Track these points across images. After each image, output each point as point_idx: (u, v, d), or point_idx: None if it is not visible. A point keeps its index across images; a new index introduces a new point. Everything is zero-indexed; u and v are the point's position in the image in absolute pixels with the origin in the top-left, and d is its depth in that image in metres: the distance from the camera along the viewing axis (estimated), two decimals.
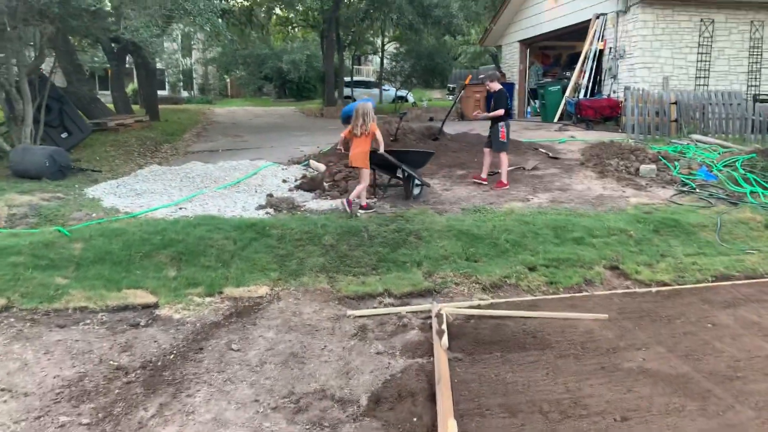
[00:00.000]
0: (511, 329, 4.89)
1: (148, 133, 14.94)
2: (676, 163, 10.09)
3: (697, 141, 11.99)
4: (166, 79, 50.51)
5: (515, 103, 21.47)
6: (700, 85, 15.01)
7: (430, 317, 5.16)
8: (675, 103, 13.21)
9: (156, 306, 5.33)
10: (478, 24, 21.67)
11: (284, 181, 9.03)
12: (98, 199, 8.11)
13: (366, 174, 7.62)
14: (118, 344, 4.63)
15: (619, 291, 5.86)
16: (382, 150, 7.59)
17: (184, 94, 48.04)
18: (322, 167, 9.48)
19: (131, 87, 34.36)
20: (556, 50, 23.01)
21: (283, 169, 9.62)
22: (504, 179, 9.09)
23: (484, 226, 6.99)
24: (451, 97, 38.31)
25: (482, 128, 15.33)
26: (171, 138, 15.06)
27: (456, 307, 5.32)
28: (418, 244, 6.59)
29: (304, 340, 4.73)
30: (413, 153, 8.56)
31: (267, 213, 7.40)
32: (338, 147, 8.08)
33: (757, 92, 15.19)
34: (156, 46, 13.37)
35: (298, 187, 8.71)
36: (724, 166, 9.89)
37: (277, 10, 34.74)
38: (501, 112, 9.00)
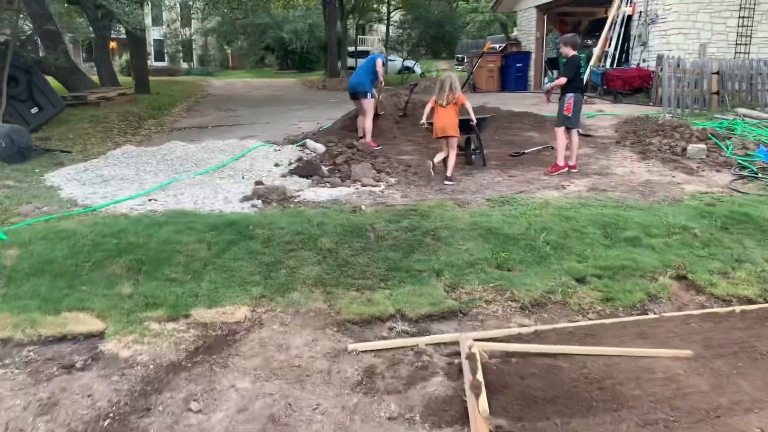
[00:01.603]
0: (569, 375, 3.65)
1: (132, 108, 13.63)
2: (728, 142, 8.74)
3: (744, 116, 10.61)
4: (165, 50, 48.98)
5: (531, 73, 20.04)
6: (740, 52, 13.57)
7: (457, 354, 3.92)
8: (717, 73, 11.79)
9: (102, 336, 4.10)
10: None
11: (276, 164, 7.74)
12: (56, 188, 6.88)
13: (455, 142, 7.67)
14: (38, 402, 3.41)
15: (696, 312, 4.59)
16: (473, 117, 7.66)
17: (184, 65, 46.50)
18: (321, 148, 8.19)
19: (124, 58, 32.91)
20: (576, 17, 21.44)
21: (276, 150, 8.32)
22: (560, 161, 7.80)
23: (516, 223, 5.71)
24: (459, 68, 36.71)
25: (500, 101, 13.98)
26: (157, 113, 13.76)
27: (491, 339, 4.09)
28: (437, 246, 5.33)
29: (289, 394, 3.50)
30: (481, 120, 8.06)
31: (253, 206, 6.14)
32: (422, 122, 7.83)
33: None
34: (136, 16, 12.03)
35: (292, 172, 7.43)
36: None
37: None
38: (563, 80, 7.66)
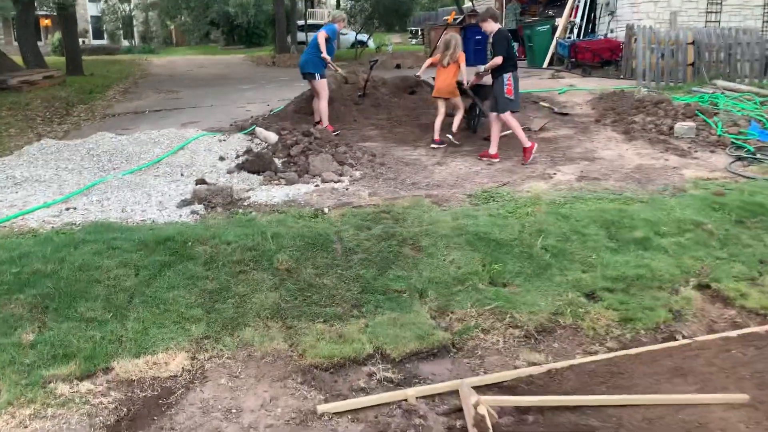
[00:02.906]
0: None
1: (59, 92, 12.26)
2: (716, 118, 8.09)
3: (724, 89, 10.00)
4: (104, 27, 46.38)
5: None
6: (711, 21, 13.00)
7: (457, 410, 3.08)
8: (692, 43, 11.15)
9: None
10: None
11: (222, 158, 6.70)
12: None
13: (460, 102, 7.80)
14: None
15: (732, 333, 3.84)
16: (465, 80, 7.74)
17: (125, 43, 44.07)
18: (273, 137, 7.16)
19: (57, 36, 30.73)
20: None
21: (220, 140, 7.25)
22: (525, 143, 6.94)
23: (507, 225, 4.87)
24: (413, 41, 35.61)
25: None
26: (89, 97, 12.40)
27: (497, 383, 3.25)
28: (418, 259, 4.45)
29: None
30: (486, 87, 7.55)
31: (193, 213, 5.13)
32: (418, 74, 8.31)
33: None
34: None
35: (240, 167, 6.41)
36: None
37: None
38: (499, 60, 6.79)
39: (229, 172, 6.34)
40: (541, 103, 9.88)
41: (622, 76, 12.38)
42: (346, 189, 5.90)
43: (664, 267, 4.48)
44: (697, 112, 8.19)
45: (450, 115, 7.91)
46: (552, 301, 4.08)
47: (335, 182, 6.12)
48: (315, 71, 8.10)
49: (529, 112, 9.36)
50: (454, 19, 21.35)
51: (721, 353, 3.59)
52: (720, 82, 10.37)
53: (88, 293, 3.87)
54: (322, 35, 7.98)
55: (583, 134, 8.13)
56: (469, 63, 18.39)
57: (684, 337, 3.83)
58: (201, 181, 5.98)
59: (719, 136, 7.57)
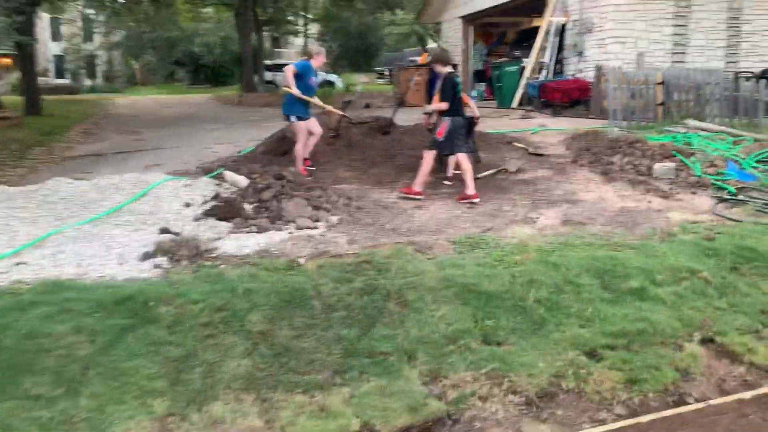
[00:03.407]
0: None
1: (15, 134, 11.72)
2: (693, 158, 8.01)
3: (696, 128, 10.01)
4: (66, 67, 45.71)
5: None
6: (676, 62, 13.16)
7: None
8: (661, 83, 11.22)
9: None
10: None
11: (187, 204, 6.29)
12: None
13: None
14: None
15: (747, 395, 3.58)
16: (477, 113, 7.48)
17: (87, 82, 43.41)
18: (242, 181, 6.80)
19: (16, 76, 30.01)
20: (500, 27, 20.92)
21: (186, 185, 6.85)
22: (418, 185, 6.98)
23: (497, 276, 4.57)
24: (380, 81, 35.82)
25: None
26: (47, 138, 11.89)
27: None
28: (404, 315, 4.11)
29: None
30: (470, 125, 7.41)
31: (157, 267, 4.71)
32: (427, 112, 7.51)
33: (737, 69, 13.48)
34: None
35: (207, 214, 6.01)
36: (758, 161, 7.88)
37: None
38: (444, 105, 6.89)
39: (196, 219, 5.94)
40: (515, 144, 9.75)
41: (592, 116, 12.40)
42: (323, 236, 5.55)
43: (664, 320, 4.22)
44: (674, 152, 8.11)
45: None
46: (551, 361, 3.77)
47: (310, 229, 5.77)
48: (288, 113, 7.84)
49: (504, 152, 9.22)
50: (413, 61, 21.53)
51: (739, 419, 3.32)
52: (691, 122, 10.38)
53: (36, 366, 3.42)
54: (289, 70, 7.71)
55: (560, 175, 7.95)
56: None
57: (696, 399, 3.53)
58: (165, 230, 5.57)
59: (699, 176, 7.46)
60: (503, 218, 6.14)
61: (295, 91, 7.61)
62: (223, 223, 5.84)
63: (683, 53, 13.20)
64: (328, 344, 3.81)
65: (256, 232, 5.65)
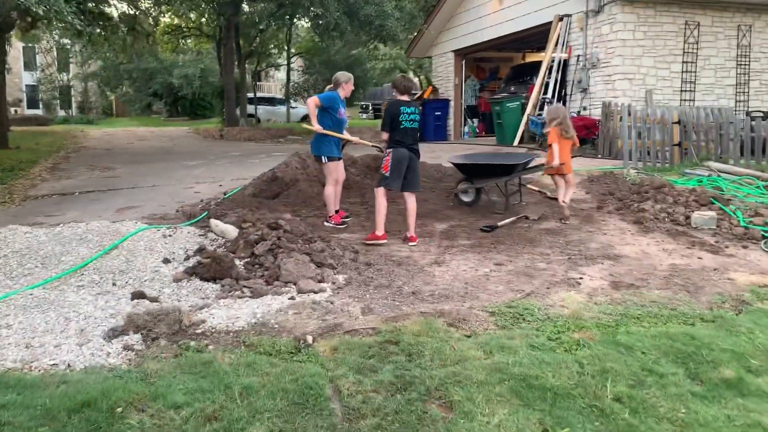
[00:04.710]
0: None
1: None
2: (732, 206, 7.23)
3: (719, 171, 9.29)
4: (40, 97, 44.38)
5: (451, 122, 18.55)
6: (685, 99, 12.57)
7: None
8: (677, 122, 10.54)
9: None
10: (411, 28, 18.47)
11: (166, 260, 5.29)
12: None
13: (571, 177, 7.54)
14: None
15: None
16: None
17: (61, 113, 42.08)
18: (231, 231, 5.82)
19: None
20: (493, 62, 20.38)
21: (165, 235, 5.85)
22: (379, 230, 6.30)
23: (559, 364, 3.63)
24: (364, 116, 35.15)
25: (429, 153, 12.17)
26: (9, 175, 10.77)
27: None
28: (450, 423, 3.12)
29: None
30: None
31: (127, 350, 3.69)
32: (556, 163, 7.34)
33: (747, 108, 12.93)
34: None
35: (191, 273, 5.02)
36: None
37: (166, 18, 30.39)
38: (383, 135, 6.39)
39: (177, 280, 4.94)
40: (529, 186, 8.93)
41: (600, 155, 11.68)
42: (331, 302, 4.58)
43: None
44: (712, 199, 7.32)
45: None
46: None
47: (315, 292, 4.80)
48: (318, 153, 7.00)
49: (517, 196, 8.36)
50: (413, 94, 20.86)
51: None
52: (713, 164, 9.68)
53: None
54: (311, 103, 6.84)
55: (589, 224, 7.11)
56: (429, 138, 17.84)
57: None
58: (139, 295, 4.58)
59: (744, 227, 6.66)
60: (540, 278, 5.24)
61: (317, 127, 6.74)
62: (210, 285, 4.87)
63: (692, 91, 12.61)
64: None
65: (250, 297, 4.67)
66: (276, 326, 4.11)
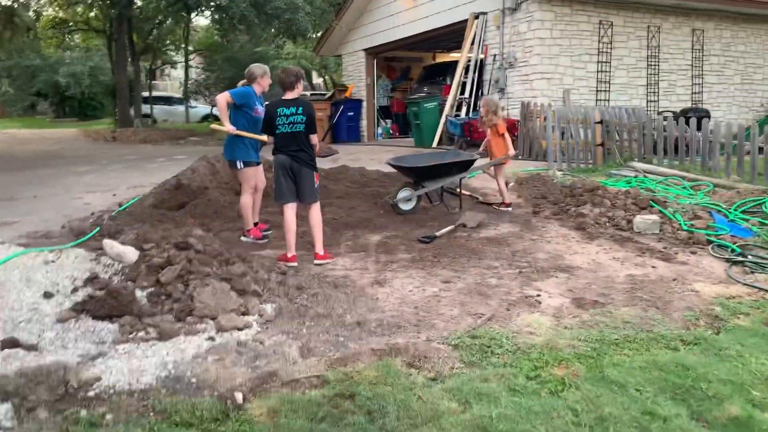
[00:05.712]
0: None
1: None
2: (671, 209, 6.99)
3: (645, 171, 9.17)
4: None
5: (364, 123, 17.92)
6: (601, 99, 12.55)
7: None
8: (600, 122, 10.39)
9: None
10: (322, 24, 17.64)
11: (48, 294, 4.25)
12: None
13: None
14: None
15: None
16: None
17: None
18: (130, 253, 4.83)
19: None
20: (404, 62, 19.97)
21: (47, 261, 4.77)
22: (289, 251, 5.49)
23: (549, 413, 3.02)
24: None
25: (349, 156, 11.48)
26: None
27: None
28: None
29: None
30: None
31: None
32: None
33: (657, 108, 13.10)
34: None
35: (80, 310, 4.04)
36: (743, 212, 6.97)
37: (49, 10, 28.01)
38: (263, 137, 5.82)
39: (62, 320, 3.94)
40: (458, 190, 8.39)
41: (521, 156, 11.38)
42: (260, 343, 3.76)
43: None
44: (652, 202, 7.04)
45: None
46: None
47: (239, 329, 3.96)
48: (231, 157, 6.12)
49: (449, 200, 7.81)
50: (322, 95, 20.07)
51: None
52: (637, 164, 9.56)
53: None
54: (222, 99, 5.91)
55: (529, 231, 6.63)
56: (341, 139, 17.13)
57: None
58: (11, 343, 3.58)
59: (688, 231, 6.39)
60: (496, 298, 4.64)
61: (230, 128, 5.83)
62: (106, 325, 3.92)
63: (607, 90, 12.61)
64: None
65: (157, 339, 3.77)
66: (194, 381, 3.25)
